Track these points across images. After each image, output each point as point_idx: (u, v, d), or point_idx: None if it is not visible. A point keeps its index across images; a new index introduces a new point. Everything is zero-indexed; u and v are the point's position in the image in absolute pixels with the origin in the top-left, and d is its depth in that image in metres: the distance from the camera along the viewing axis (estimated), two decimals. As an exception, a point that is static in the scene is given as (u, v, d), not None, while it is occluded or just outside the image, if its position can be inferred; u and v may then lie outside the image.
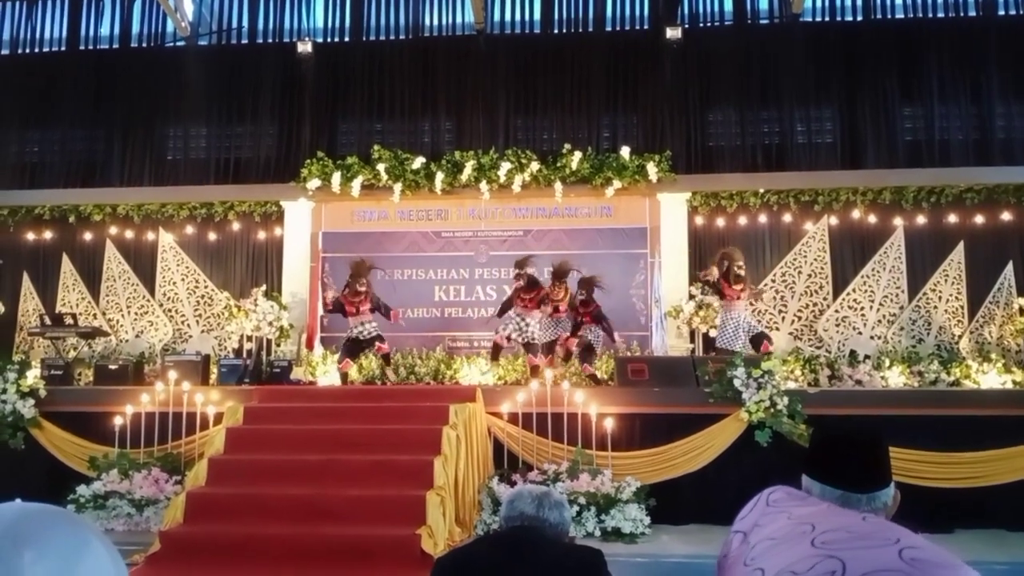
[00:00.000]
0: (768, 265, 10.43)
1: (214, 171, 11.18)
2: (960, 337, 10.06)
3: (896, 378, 9.15)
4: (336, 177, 10.43)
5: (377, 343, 9.24)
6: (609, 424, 7.23)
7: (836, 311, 10.30)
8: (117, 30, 11.69)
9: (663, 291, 9.80)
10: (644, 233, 10.41)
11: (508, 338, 9.08)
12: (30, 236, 11.29)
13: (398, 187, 10.37)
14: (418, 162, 10.44)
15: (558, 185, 10.21)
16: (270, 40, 11.52)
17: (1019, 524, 6.97)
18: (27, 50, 11.76)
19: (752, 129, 10.66)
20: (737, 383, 7.41)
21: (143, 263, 11.20)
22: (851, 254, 10.45)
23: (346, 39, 11.41)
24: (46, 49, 11.77)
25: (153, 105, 11.30)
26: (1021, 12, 10.71)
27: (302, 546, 5.78)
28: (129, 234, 11.21)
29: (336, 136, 11.16)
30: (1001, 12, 10.71)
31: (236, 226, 11.09)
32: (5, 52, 11.76)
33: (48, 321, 10.25)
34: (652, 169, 10.14)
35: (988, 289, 10.13)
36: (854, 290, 10.31)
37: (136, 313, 11.05)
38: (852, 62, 10.58)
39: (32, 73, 11.62)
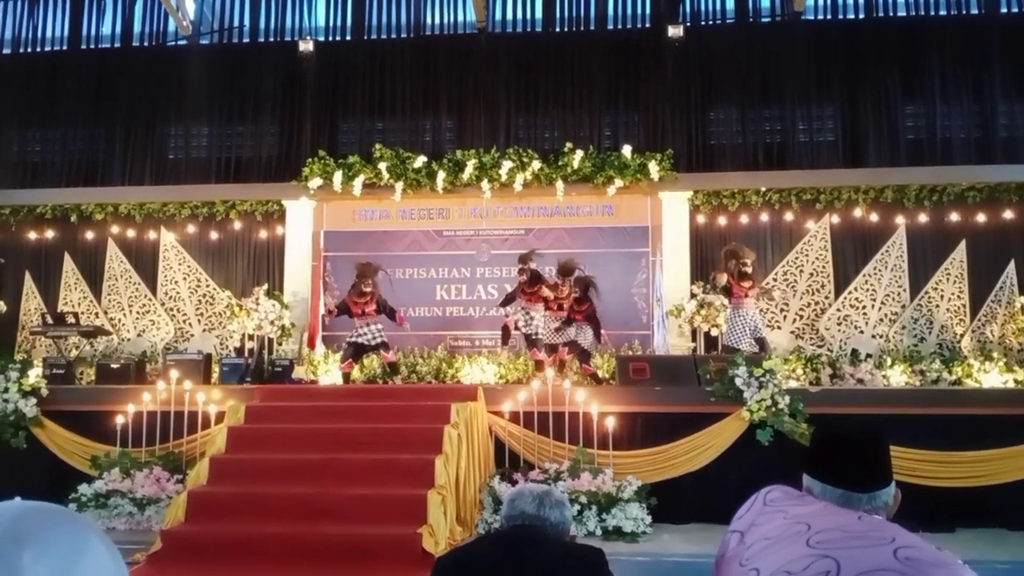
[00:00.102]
0: (770, 264, 10.42)
1: (216, 170, 11.18)
2: (962, 336, 10.05)
3: (898, 377, 9.13)
4: (337, 176, 10.44)
5: (382, 351, 9.24)
6: (610, 423, 7.22)
7: (838, 310, 10.29)
8: (119, 29, 11.70)
9: (664, 290, 9.80)
10: (646, 232, 10.41)
11: (516, 325, 9.09)
12: (32, 235, 11.31)
13: (399, 186, 10.38)
14: (419, 161, 10.44)
15: (559, 184, 10.21)
16: (271, 39, 11.53)
17: (1021, 523, 6.96)
18: (29, 49, 11.76)
19: (754, 127, 10.65)
20: (738, 382, 7.41)
21: (145, 262, 11.22)
22: (853, 253, 10.44)
23: (348, 38, 11.41)
24: (48, 48, 11.77)
25: (155, 104, 11.31)
26: (1023, 10, 10.70)
27: (303, 545, 5.78)
28: (131, 233, 11.22)
29: (337, 135, 11.16)
30: (1003, 10, 10.71)
31: (238, 225, 11.09)
32: (7, 51, 11.77)
33: (50, 320, 10.26)
34: (654, 168, 10.14)
35: (990, 288, 10.12)
36: (856, 289, 10.30)
37: (138, 312, 11.06)
38: (854, 60, 10.57)
39: (34, 72, 11.63)
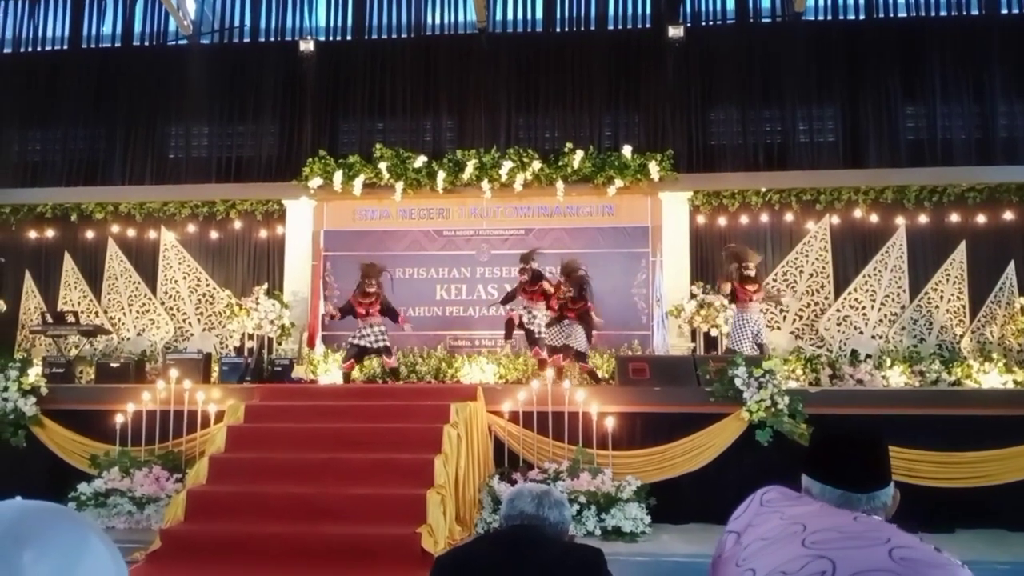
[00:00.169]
0: (770, 264, 10.42)
1: (216, 170, 11.18)
2: (961, 337, 10.05)
3: (897, 378, 9.14)
4: (338, 176, 10.44)
5: (384, 357, 9.24)
6: (610, 423, 7.22)
7: (837, 310, 10.29)
8: (119, 29, 11.71)
9: (664, 290, 9.80)
10: (646, 232, 10.41)
11: (521, 322, 9.09)
12: (32, 234, 11.31)
13: (400, 186, 10.38)
14: (420, 161, 10.44)
15: (560, 184, 10.21)
16: (272, 39, 11.53)
17: (1021, 524, 6.95)
18: (29, 48, 11.77)
19: (754, 128, 10.65)
20: (738, 382, 7.41)
21: (145, 261, 11.22)
22: (853, 253, 10.44)
23: (348, 38, 11.41)
24: (48, 48, 11.78)
25: (155, 103, 11.31)
26: (1023, 11, 10.70)
27: (303, 544, 5.78)
28: (131, 232, 11.23)
29: (338, 135, 11.16)
30: (1004, 11, 10.71)
31: (238, 224, 11.10)
32: (7, 50, 11.77)
33: (50, 319, 10.26)
34: (654, 168, 10.14)
35: (990, 289, 10.12)
36: (855, 289, 10.31)
37: (138, 311, 11.06)
38: (854, 61, 10.57)
39: (34, 71, 11.63)
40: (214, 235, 11.14)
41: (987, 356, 9.49)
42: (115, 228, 11.20)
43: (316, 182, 10.51)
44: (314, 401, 8.10)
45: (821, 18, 10.91)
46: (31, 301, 11.20)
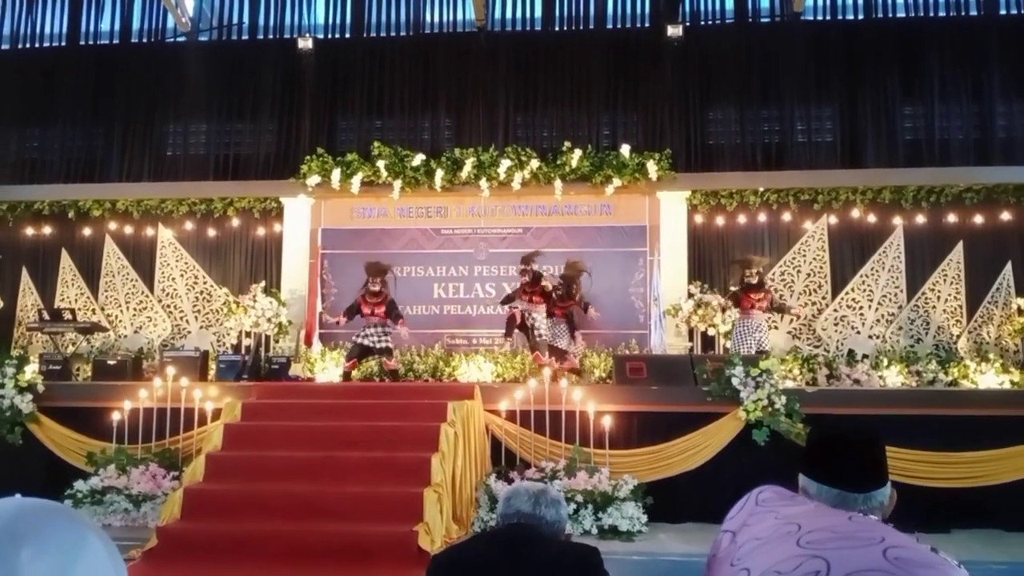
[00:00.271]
0: (767, 264, 10.43)
1: (213, 167, 11.17)
2: (958, 337, 10.07)
3: (894, 378, 9.16)
4: (336, 174, 10.43)
5: (385, 358, 9.23)
6: (607, 422, 7.23)
7: (835, 310, 10.31)
8: (117, 25, 11.68)
9: (662, 289, 9.83)
10: (643, 231, 10.41)
11: (522, 321, 9.10)
12: (29, 231, 11.30)
13: (398, 184, 10.37)
14: (418, 159, 10.44)
15: (558, 183, 10.22)
16: (271, 36, 11.51)
17: (1017, 524, 6.97)
18: (27, 45, 11.74)
19: (752, 128, 10.66)
20: (735, 382, 7.41)
21: (142, 259, 11.21)
22: (850, 253, 10.46)
23: (347, 35, 11.40)
24: (46, 44, 11.75)
25: (153, 101, 11.30)
26: (1022, 11, 10.71)
27: (299, 543, 5.78)
28: (128, 230, 11.22)
29: (336, 132, 11.15)
30: (1003, 11, 10.71)
31: (235, 222, 11.09)
32: (5, 47, 11.75)
33: (47, 316, 10.24)
34: (652, 167, 10.14)
35: (987, 289, 10.14)
36: (853, 289, 10.32)
37: (135, 309, 11.05)
38: (853, 61, 10.58)
39: (32, 68, 11.60)
40: (211, 233, 11.13)
41: (984, 356, 9.51)
42: (112, 225, 11.19)
43: (314, 180, 10.50)
44: (311, 399, 8.09)
45: (820, 18, 10.92)
46: (28, 298, 11.19)
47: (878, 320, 10.23)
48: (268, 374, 9.20)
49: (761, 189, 10.40)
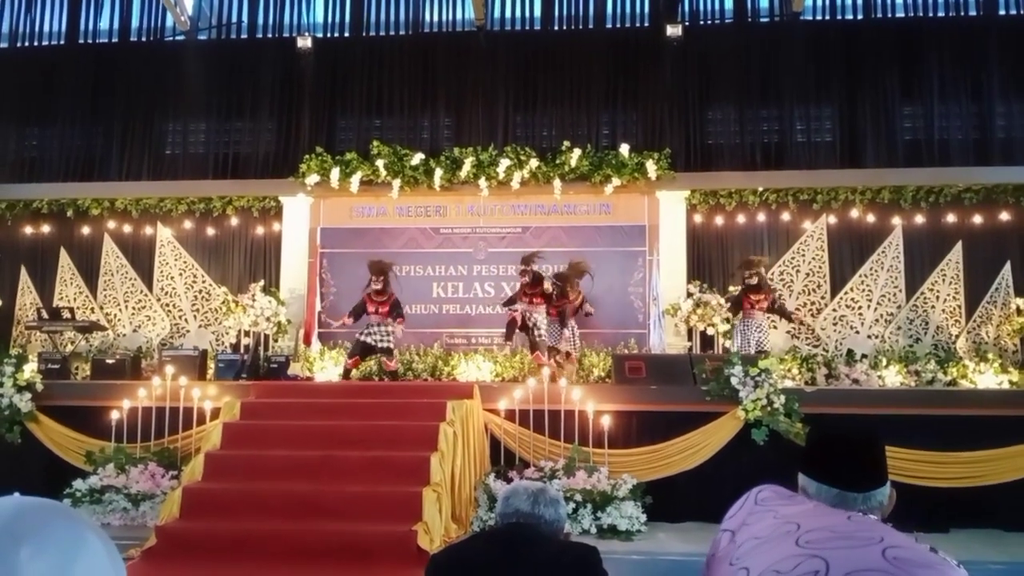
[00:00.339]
0: (767, 262, 10.44)
1: (212, 166, 11.15)
2: (957, 337, 10.07)
3: (893, 377, 9.16)
4: (335, 173, 10.42)
5: (385, 358, 9.23)
6: (606, 421, 7.23)
7: (834, 310, 10.31)
8: (116, 24, 11.66)
9: (661, 289, 9.84)
10: (643, 231, 10.41)
11: (524, 323, 9.11)
12: (28, 230, 11.29)
13: (397, 183, 10.36)
14: (417, 158, 10.43)
15: (557, 182, 10.21)
16: (270, 35, 11.49)
17: (1016, 524, 6.98)
18: (26, 43, 11.72)
19: (751, 127, 10.65)
20: (734, 381, 7.42)
21: (141, 258, 11.20)
22: (849, 253, 10.46)
23: (346, 34, 11.38)
24: (45, 43, 11.73)
25: (152, 100, 11.28)
26: (1022, 12, 10.71)
27: (298, 542, 5.78)
28: (127, 229, 11.21)
29: (335, 132, 11.14)
30: (1002, 12, 10.71)
31: (234, 221, 11.08)
32: (4, 45, 11.73)
33: (45, 315, 10.23)
34: (651, 167, 10.14)
35: (986, 289, 10.14)
36: (852, 289, 10.33)
37: (134, 308, 11.04)
38: (852, 61, 10.57)
39: (31, 67, 11.58)
40: (211, 232, 11.12)
41: (983, 356, 9.51)
42: (111, 224, 11.18)
43: (313, 179, 10.50)
44: (310, 398, 8.09)
45: (819, 18, 10.91)
46: (27, 297, 11.18)
47: (877, 320, 10.24)
48: (267, 373, 9.19)
49: (760, 189, 10.39)
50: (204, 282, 11.04)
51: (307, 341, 10.13)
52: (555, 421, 7.42)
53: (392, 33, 11.28)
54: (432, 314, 10.58)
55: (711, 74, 10.75)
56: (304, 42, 10.88)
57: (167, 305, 11.04)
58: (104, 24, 11.70)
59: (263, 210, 11.04)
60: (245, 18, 11.54)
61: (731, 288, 9.93)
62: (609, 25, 11.09)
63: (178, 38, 11.60)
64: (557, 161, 10.30)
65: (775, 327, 10.08)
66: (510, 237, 10.56)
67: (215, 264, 11.12)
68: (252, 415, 7.57)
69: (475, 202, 10.59)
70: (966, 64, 10.48)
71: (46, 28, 11.74)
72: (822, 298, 10.36)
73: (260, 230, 11.07)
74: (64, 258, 11.20)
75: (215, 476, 6.71)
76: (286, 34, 11.38)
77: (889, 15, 10.76)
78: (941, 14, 10.70)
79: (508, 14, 11.20)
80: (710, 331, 9.95)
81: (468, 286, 10.60)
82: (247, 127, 11.20)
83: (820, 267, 10.40)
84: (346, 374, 9.30)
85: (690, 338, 10.14)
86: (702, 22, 11.02)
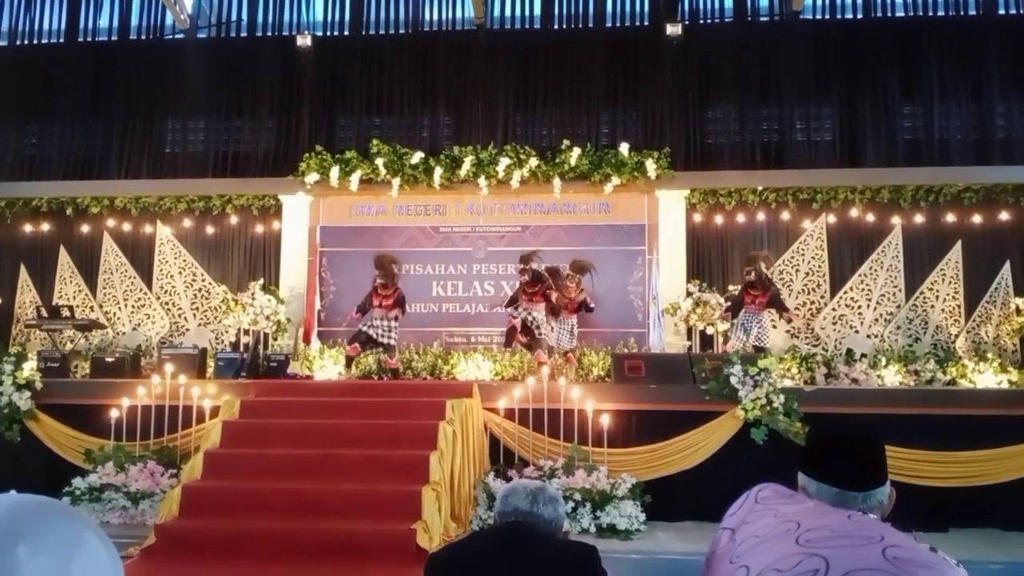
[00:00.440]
0: (766, 256, 10.43)
1: (212, 164, 11.15)
2: (957, 336, 10.08)
3: (892, 377, 9.16)
4: (334, 171, 10.42)
5: (386, 355, 9.23)
6: (605, 420, 7.24)
7: (833, 309, 10.31)
8: (116, 22, 11.65)
9: (661, 288, 9.84)
10: (642, 230, 10.41)
11: (524, 327, 9.12)
12: (27, 228, 11.29)
13: (396, 182, 10.36)
14: (417, 157, 10.43)
15: (557, 181, 10.21)
16: (269, 33, 11.48)
17: (1015, 523, 6.99)
18: (25, 42, 11.71)
19: (751, 127, 10.65)
20: (733, 380, 7.42)
21: (140, 256, 11.19)
22: (849, 252, 10.46)
23: (346, 33, 11.38)
24: (44, 41, 11.72)
25: (152, 98, 11.27)
26: (1021, 11, 10.70)
27: (297, 540, 5.78)
28: (127, 227, 11.20)
29: (335, 130, 11.13)
30: (1002, 11, 10.70)
31: (234, 220, 11.08)
32: (3, 43, 11.72)
33: (45, 313, 10.23)
34: (651, 166, 10.14)
35: (985, 289, 10.15)
36: (851, 288, 10.33)
37: (133, 306, 11.04)
38: (852, 60, 10.57)
39: (31, 65, 11.57)
40: (210, 230, 11.12)
41: (982, 356, 9.52)
42: (111, 223, 11.18)
43: (312, 178, 10.49)
44: (310, 397, 8.09)
45: (819, 17, 10.91)
46: (26, 295, 11.18)
47: (876, 319, 10.24)
48: (266, 372, 9.19)
49: (760, 188, 10.39)
50: (204, 280, 11.04)
51: (307, 340, 10.13)
52: (554, 420, 7.42)
53: (392, 32, 11.27)
54: (432, 313, 10.58)
55: (711, 73, 10.75)
56: (304, 41, 10.88)
57: (167, 303, 11.04)
58: (104, 22, 11.69)
59: (263, 208, 11.04)
60: (245, 16, 11.53)
61: (731, 288, 9.93)
62: (609, 24, 11.08)
63: (178, 36, 11.60)
64: (557, 160, 10.30)
65: (775, 327, 10.09)
66: (510, 236, 10.56)
67: (215, 262, 11.12)
68: (251, 414, 7.57)
69: (475, 201, 10.59)
70: (966, 64, 10.48)
71: (46, 26, 11.73)
72: (821, 297, 10.36)
73: (260, 228, 11.06)
74: (64, 256, 11.20)
75: (214, 474, 6.71)
76: (286, 32, 11.37)
77: (889, 14, 10.76)
78: (941, 14, 10.70)
79: (508, 13, 11.20)
80: (709, 330, 9.95)
81: (468, 285, 10.60)
82: (247, 125, 11.19)
83: (820, 266, 10.40)
84: (348, 362, 9.30)
85: (689, 337, 10.14)
86: (702, 21, 11.02)
